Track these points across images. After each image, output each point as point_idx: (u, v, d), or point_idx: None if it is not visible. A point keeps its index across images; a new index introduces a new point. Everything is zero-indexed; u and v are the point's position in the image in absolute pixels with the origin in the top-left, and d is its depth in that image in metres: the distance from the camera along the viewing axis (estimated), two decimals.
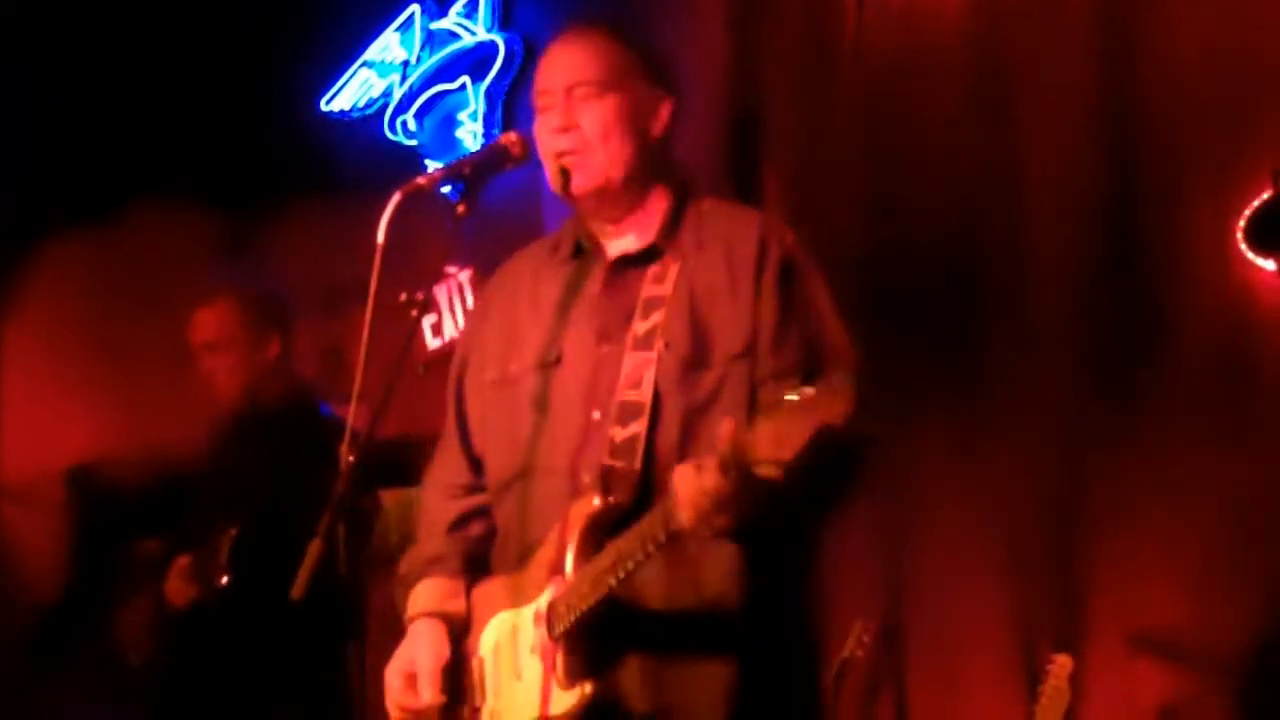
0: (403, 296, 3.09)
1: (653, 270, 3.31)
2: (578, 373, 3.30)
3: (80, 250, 7.26)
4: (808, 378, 3.01)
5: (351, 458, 2.93)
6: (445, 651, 3.34)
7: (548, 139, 3.32)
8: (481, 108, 6.81)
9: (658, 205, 3.38)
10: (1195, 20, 5.35)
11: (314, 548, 2.85)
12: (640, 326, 3.24)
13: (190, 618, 5.11)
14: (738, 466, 2.81)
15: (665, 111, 3.39)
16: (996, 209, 5.60)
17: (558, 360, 3.33)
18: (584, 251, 3.42)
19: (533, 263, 3.51)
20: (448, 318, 6.84)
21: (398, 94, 7.07)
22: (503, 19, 6.89)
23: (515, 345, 3.41)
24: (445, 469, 3.55)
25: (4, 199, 7.09)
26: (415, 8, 7.07)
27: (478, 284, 6.79)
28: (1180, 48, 5.37)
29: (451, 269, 6.71)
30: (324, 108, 7.22)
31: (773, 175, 5.99)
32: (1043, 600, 5.35)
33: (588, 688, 3.10)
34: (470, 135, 6.81)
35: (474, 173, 3.26)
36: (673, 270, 3.28)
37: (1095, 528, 5.31)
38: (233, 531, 4.86)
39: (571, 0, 6.74)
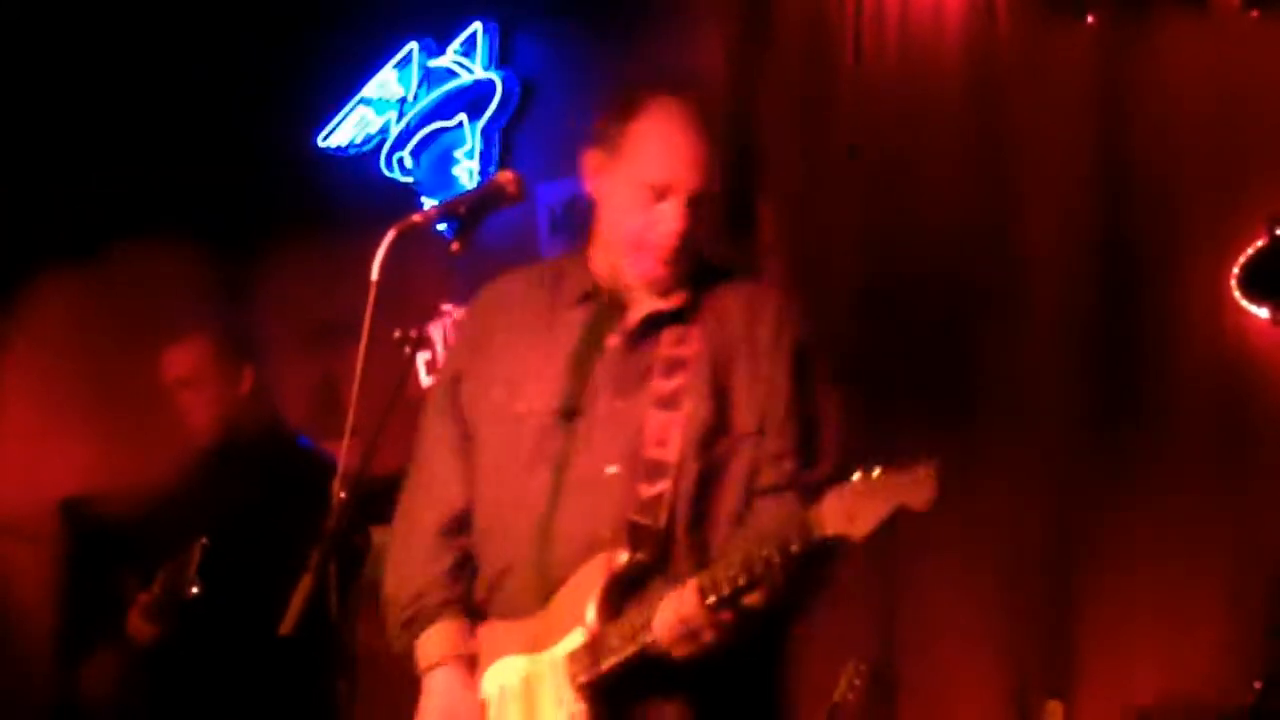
0: (397, 334, 3.08)
1: (673, 331, 3.34)
2: (594, 426, 3.30)
3: (74, 285, 7.24)
4: (805, 462, 3.19)
5: (343, 494, 2.91)
6: (477, 701, 3.33)
7: (657, 234, 3.30)
8: (478, 146, 6.82)
9: (690, 275, 3.38)
10: (1189, 74, 5.39)
11: (305, 583, 2.83)
12: (663, 385, 3.28)
13: (158, 656, 5.07)
14: (804, 542, 2.91)
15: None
16: (992, 254, 5.62)
17: (575, 412, 3.32)
18: (595, 299, 3.41)
19: (527, 294, 3.49)
20: (442, 355, 6.83)
21: (395, 131, 7.07)
22: (501, 57, 6.90)
23: (521, 384, 3.38)
24: (437, 504, 3.46)
25: None
26: (414, 45, 7.08)
27: None
28: (1174, 100, 5.41)
29: (446, 306, 6.70)
30: (321, 144, 7.22)
31: (768, 207, 6.00)
32: (1035, 646, 5.34)
33: None
34: (466, 173, 6.82)
35: (470, 211, 3.26)
36: (695, 334, 3.32)
37: (1088, 575, 5.31)
38: (203, 541, 4.81)
39: (571, 41, 6.76)
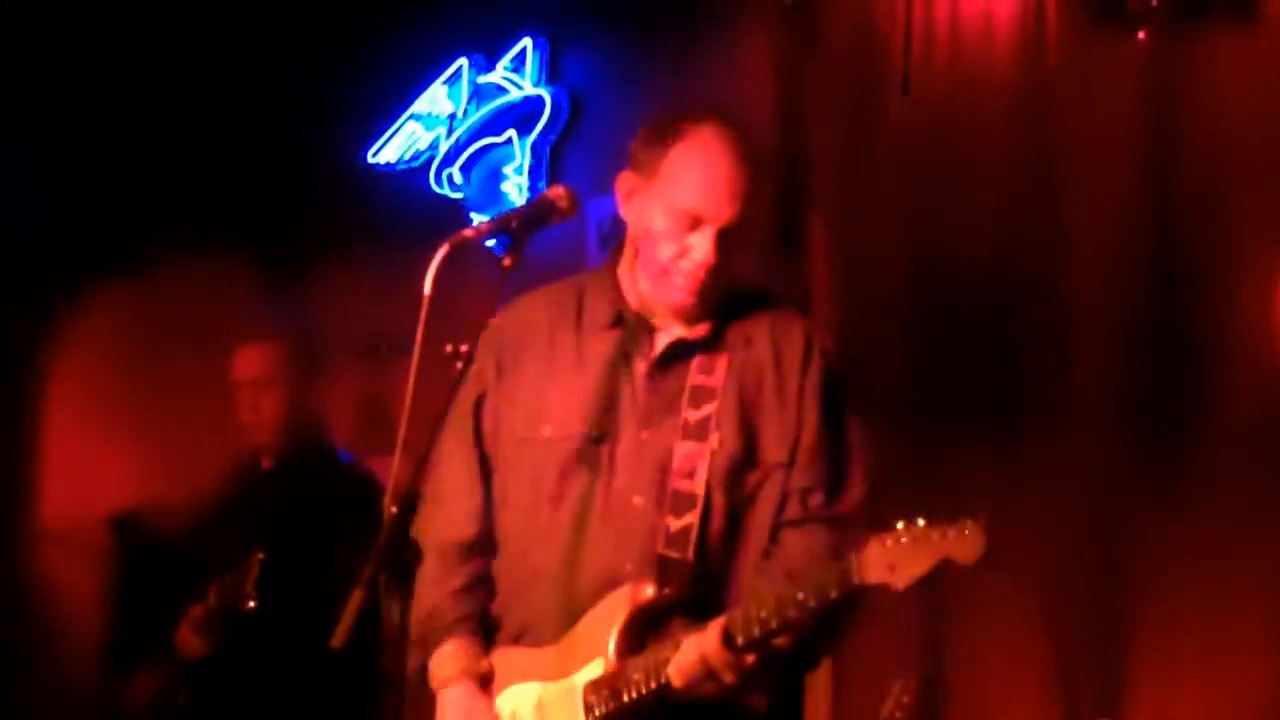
0: (448, 348, 3.08)
1: (700, 359, 3.33)
2: (621, 456, 3.30)
3: (124, 297, 7.28)
4: (832, 495, 3.21)
5: (394, 508, 2.92)
6: (492, 717, 3.32)
7: (688, 262, 3.29)
8: (528, 161, 6.83)
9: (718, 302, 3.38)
10: (1240, 88, 5.36)
11: (356, 597, 2.83)
12: (691, 415, 3.27)
13: (202, 670, 5.07)
14: (843, 588, 2.92)
15: None
16: (1040, 268, 5.60)
17: (600, 438, 3.32)
18: (623, 323, 3.41)
19: (551, 315, 3.48)
20: None
21: (444, 147, 7.09)
22: (550, 73, 6.91)
23: (547, 408, 3.37)
24: (454, 525, 3.44)
25: (48, 245, 7.12)
26: (463, 61, 7.10)
27: None
28: (1225, 115, 5.38)
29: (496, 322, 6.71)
30: (370, 159, 7.24)
31: (818, 223, 5.99)
32: (1083, 665, 5.32)
33: None
34: (516, 189, 6.82)
35: (521, 226, 3.24)
36: (721, 363, 3.31)
37: (1136, 592, 5.28)
38: (260, 556, 4.81)
39: (620, 57, 6.76)
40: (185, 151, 7.11)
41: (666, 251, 3.30)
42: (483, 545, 3.43)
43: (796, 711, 3.37)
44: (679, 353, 3.35)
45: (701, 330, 3.35)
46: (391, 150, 7.22)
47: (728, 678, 3.04)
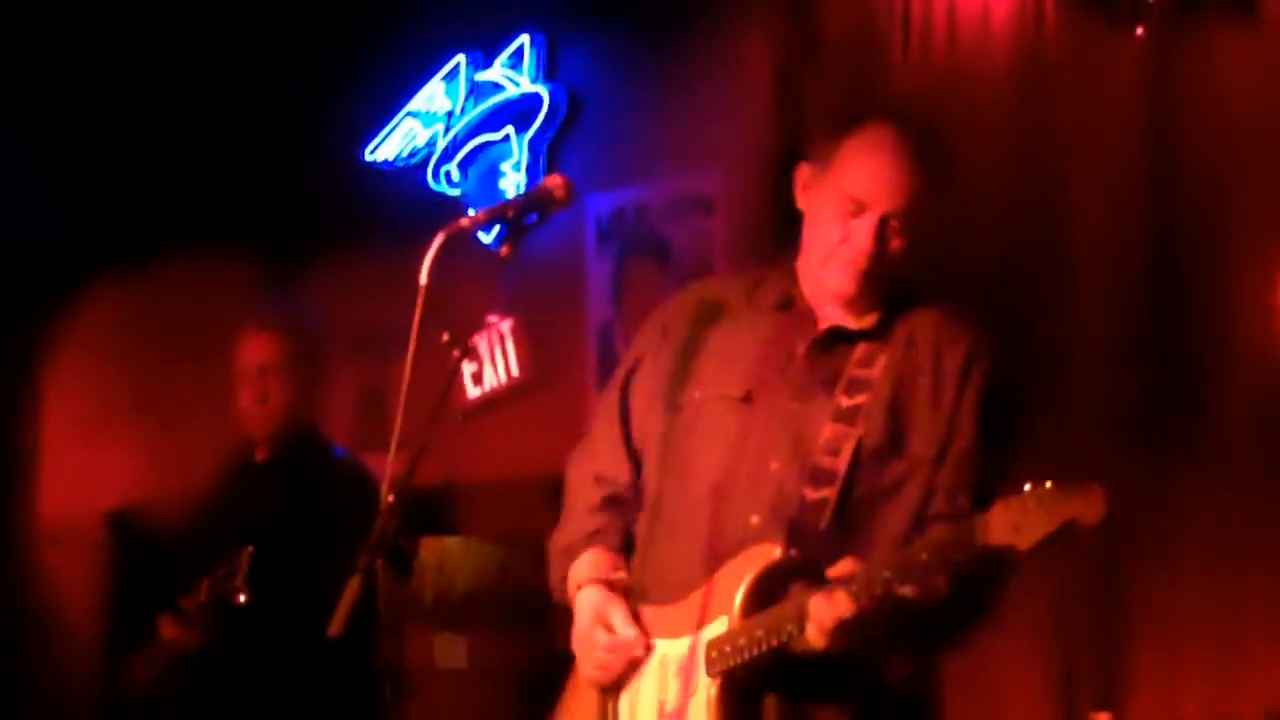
0: (445, 335, 3.07)
1: (861, 350, 3.35)
2: (766, 420, 3.32)
3: (121, 295, 7.29)
4: (979, 500, 3.10)
5: (391, 497, 2.91)
6: (625, 610, 3.34)
7: (848, 248, 3.32)
8: (525, 158, 6.83)
9: (884, 299, 3.39)
10: (1239, 85, 5.36)
11: (353, 584, 2.83)
12: (844, 402, 3.28)
13: (193, 663, 5.07)
14: (966, 548, 2.91)
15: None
16: (1039, 267, 5.60)
17: (748, 399, 3.35)
18: (791, 308, 3.44)
19: (728, 297, 3.52)
20: (488, 367, 6.85)
21: (442, 144, 7.09)
22: (548, 70, 6.91)
23: (698, 373, 3.42)
24: (598, 459, 3.53)
25: (46, 244, 7.13)
26: (461, 58, 7.10)
27: (519, 333, 6.80)
28: (1224, 111, 5.38)
29: (493, 318, 6.71)
30: (368, 157, 7.24)
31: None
32: (1083, 656, 5.32)
33: None
34: (514, 186, 6.82)
35: (518, 215, 3.23)
36: (881, 358, 3.32)
37: (1137, 585, 5.28)
38: (250, 549, 4.81)
39: (616, 54, 6.77)
40: (184, 149, 7.12)
41: (831, 236, 3.34)
42: (622, 492, 3.49)
43: (927, 692, 3.38)
44: (839, 338, 3.37)
45: (865, 322, 3.37)
46: (389, 147, 7.22)
47: (855, 634, 3.02)
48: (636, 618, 3.34)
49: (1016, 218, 5.67)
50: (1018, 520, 2.87)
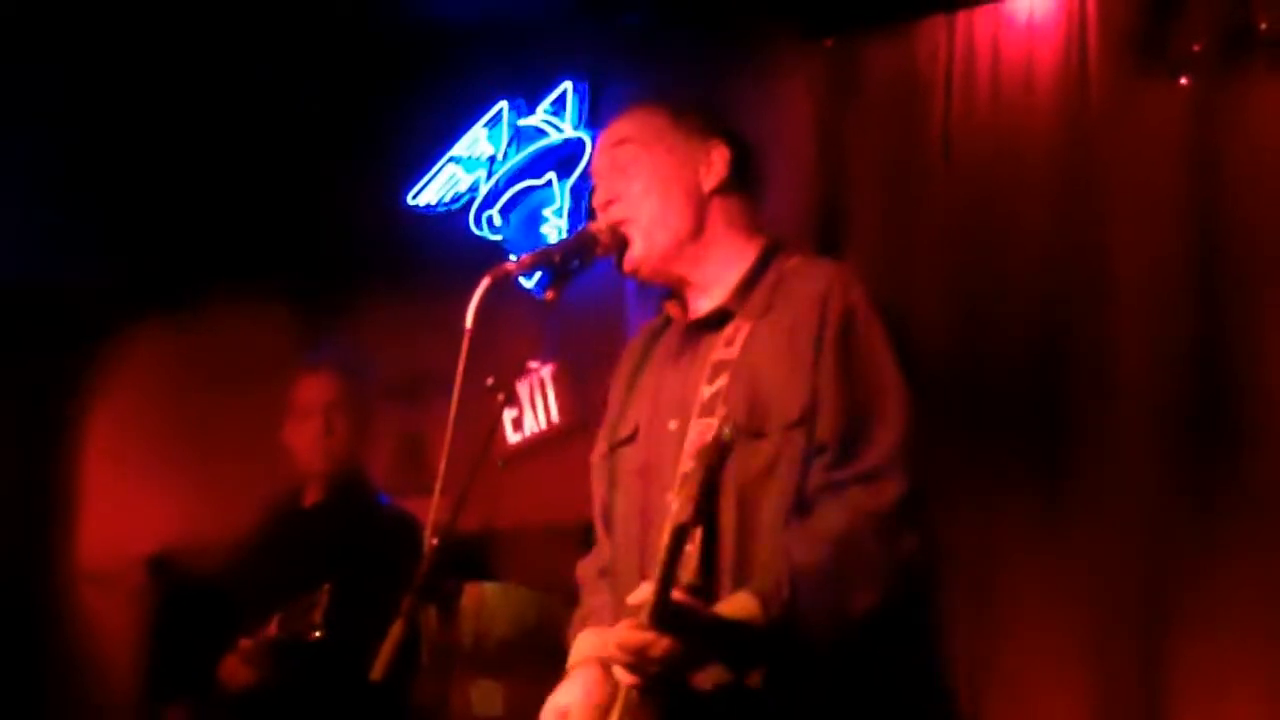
0: (490, 380, 3.06)
1: (725, 333, 3.20)
2: (656, 452, 3.20)
3: (165, 336, 7.32)
4: (849, 444, 2.98)
5: (434, 540, 2.90)
6: (600, 694, 3.14)
7: (601, 219, 3.28)
8: (567, 204, 6.84)
9: (740, 265, 3.28)
10: None
11: (396, 629, 2.82)
12: (706, 391, 3.13)
13: (241, 706, 5.05)
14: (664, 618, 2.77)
15: (718, 158, 3.30)
16: (1083, 306, 5.59)
17: (633, 437, 3.26)
18: (671, 322, 3.37)
19: (642, 339, 3.45)
20: (529, 413, 6.84)
21: (484, 189, 7.10)
22: (590, 116, 6.93)
23: (615, 423, 3.34)
24: (596, 531, 3.43)
25: (89, 286, 7.16)
26: (503, 104, 7.12)
27: (559, 379, 6.80)
28: (1268, 162, 5.36)
29: (534, 364, 6.72)
30: (410, 202, 7.26)
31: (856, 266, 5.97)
32: (1125, 699, 5.28)
33: None
34: (555, 231, 6.83)
35: (563, 259, 3.22)
36: (742, 334, 3.17)
37: (1179, 627, 5.25)
38: (329, 586, 4.77)
39: (657, 97, 6.77)
40: (228, 190, 7.15)
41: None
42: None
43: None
44: (701, 328, 3.25)
45: (718, 300, 3.25)
46: (431, 192, 7.24)
47: (655, 652, 2.85)
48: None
49: (1060, 266, 5.66)
50: (682, 494, 2.80)
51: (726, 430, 2.90)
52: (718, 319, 3.23)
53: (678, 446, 3.12)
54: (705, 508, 2.86)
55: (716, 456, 2.88)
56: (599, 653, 3.03)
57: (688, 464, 3.01)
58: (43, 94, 6.93)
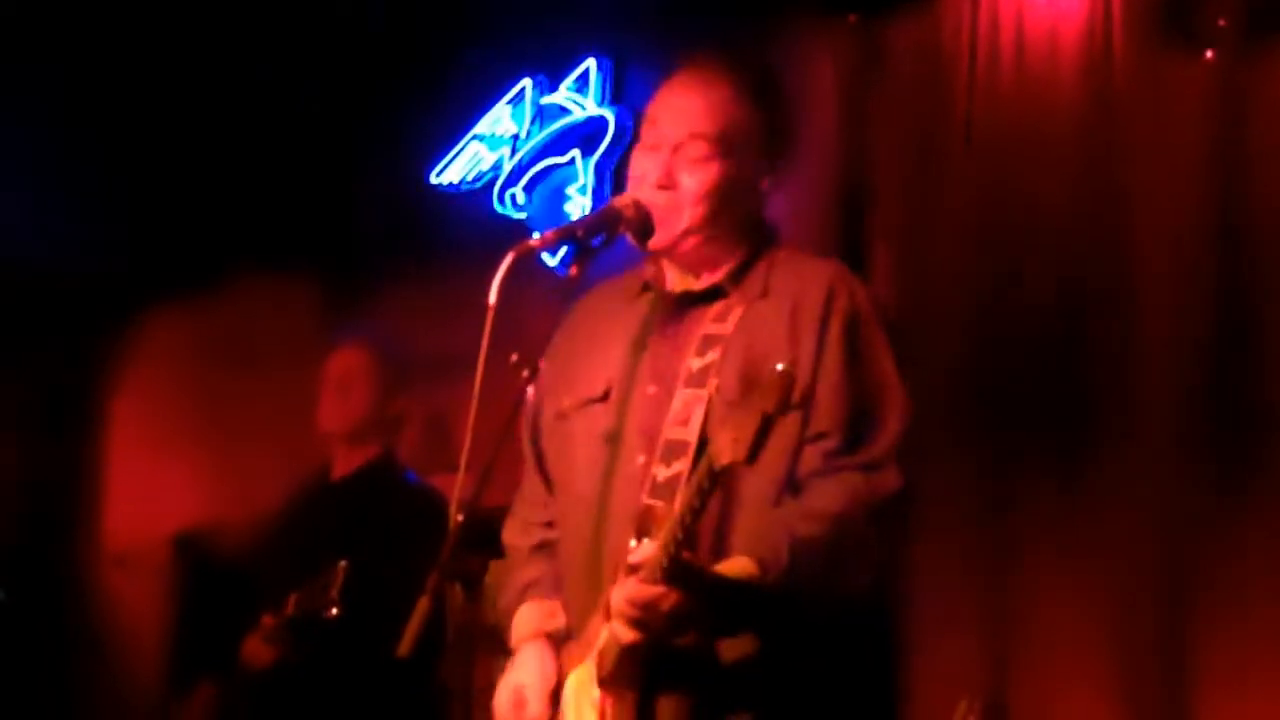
0: (514, 356, 3.05)
1: (715, 309, 3.23)
2: (629, 413, 3.22)
3: (188, 318, 7.31)
4: (853, 434, 3.04)
5: (460, 517, 2.90)
6: (552, 673, 3.22)
7: (643, 186, 3.27)
8: (591, 182, 6.83)
9: (734, 254, 3.31)
10: None
11: (422, 605, 2.82)
12: (695, 363, 3.16)
13: (263, 684, 5.06)
14: (708, 479, 2.83)
15: (765, 187, 3.34)
16: (1106, 292, 5.56)
17: (605, 396, 3.26)
18: (651, 288, 3.36)
19: (606, 300, 3.44)
20: None
21: (507, 167, 7.09)
22: (614, 94, 6.91)
23: (574, 380, 3.33)
24: (524, 505, 3.46)
25: (113, 267, 7.16)
26: (527, 82, 7.11)
27: None
28: None
29: None
30: (433, 180, 7.25)
31: (882, 251, 5.97)
32: (1150, 683, 5.27)
33: None
34: (579, 209, 6.82)
35: (587, 235, 3.21)
36: (735, 312, 3.20)
37: (1203, 615, 5.23)
38: (344, 563, 4.79)
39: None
40: (250, 170, 7.15)
41: (630, 175, 3.31)
42: (552, 540, 3.39)
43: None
44: (689, 302, 3.28)
45: (714, 278, 3.28)
46: (455, 171, 7.23)
47: (664, 605, 2.91)
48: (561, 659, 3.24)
49: (1081, 239, 5.64)
50: (734, 434, 2.78)
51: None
52: (709, 295, 3.26)
53: (655, 413, 3.16)
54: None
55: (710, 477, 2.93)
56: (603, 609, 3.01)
57: (676, 430, 3.07)
58: (67, 78, 6.94)
